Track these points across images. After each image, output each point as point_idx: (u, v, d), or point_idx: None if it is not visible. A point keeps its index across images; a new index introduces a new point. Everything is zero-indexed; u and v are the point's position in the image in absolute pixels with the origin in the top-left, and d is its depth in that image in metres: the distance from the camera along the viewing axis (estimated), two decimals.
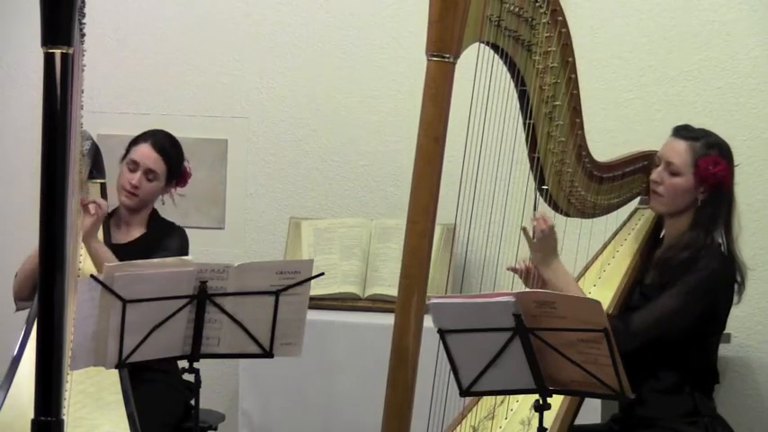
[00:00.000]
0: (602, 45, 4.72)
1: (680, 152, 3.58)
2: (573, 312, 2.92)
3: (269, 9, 5.07)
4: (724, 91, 4.63)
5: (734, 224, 3.62)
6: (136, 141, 4.10)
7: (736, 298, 3.64)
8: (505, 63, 3.40)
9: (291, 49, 5.06)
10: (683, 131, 3.63)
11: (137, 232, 4.11)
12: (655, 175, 3.62)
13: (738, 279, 3.61)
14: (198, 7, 5.14)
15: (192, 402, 3.45)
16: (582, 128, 3.59)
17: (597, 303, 2.95)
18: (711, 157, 3.56)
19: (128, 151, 4.09)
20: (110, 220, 4.08)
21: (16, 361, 3.53)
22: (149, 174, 4.05)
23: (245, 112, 5.11)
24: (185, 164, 4.18)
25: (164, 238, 4.09)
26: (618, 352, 2.96)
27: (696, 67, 4.66)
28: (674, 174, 3.58)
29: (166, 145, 4.11)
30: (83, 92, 3.71)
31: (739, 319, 4.49)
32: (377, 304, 4.60)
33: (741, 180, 4.55)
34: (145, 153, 4.05)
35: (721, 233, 3.59)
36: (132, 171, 4.04)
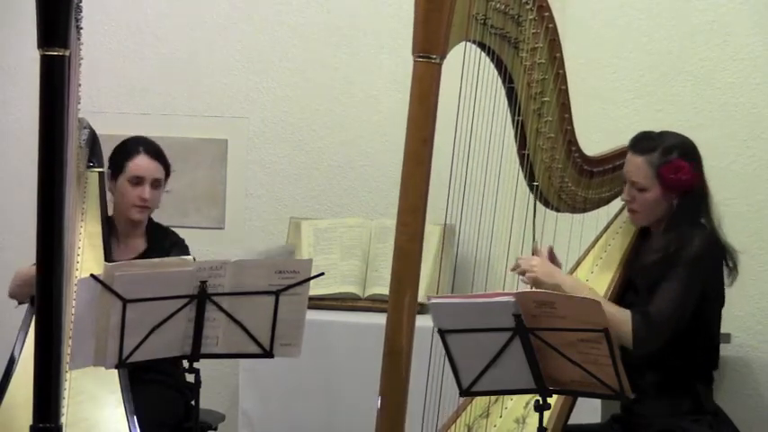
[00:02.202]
0: (602, 45, 4.72)
1: (639, 168, 3.56)
2: (573, 312, 2.93)
3: (269, 9, 5.07)
4: (724, 91, 4.62)
5: (713, 214, 3.60)
6: (127, 154, 4.03)
7: (728, 281, 3.62)
8: (492, 61, 3.40)
9: (291, 49, 5.06)
10: (637, 144, 3.60)
11: (138, 245, 4.07)
12: (625, 194, 3.63)
13: (728, 259, 3.59)
14: (198, 7, 5.14)
15: (193, 402, 3.45)
16: (571, 123, 3.59)
17: (597, 303, 2.96)
18: (672, 164, 3.53)
19: (121, 167, 4.02)
20: (109, 235, 3.99)
21: (13, 359, 3.53)
22: (155, 183, 4.04)
23: (245, 112, 5.10)
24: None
25: (168, 251, 4.04)
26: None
27: (696, 67, 4.65)
28: (641, 190, 3.57)
29: (156, 149, 4.08)
30: (80, 85, 3.71)
31: (739, 319, 4.49)
32: (377, 304, 4.59)
33: (741, 180, 4.58)
34: (146, 165, 4.02)
35: (694, 223, 3.56)
36: (138, 185, 4.00)
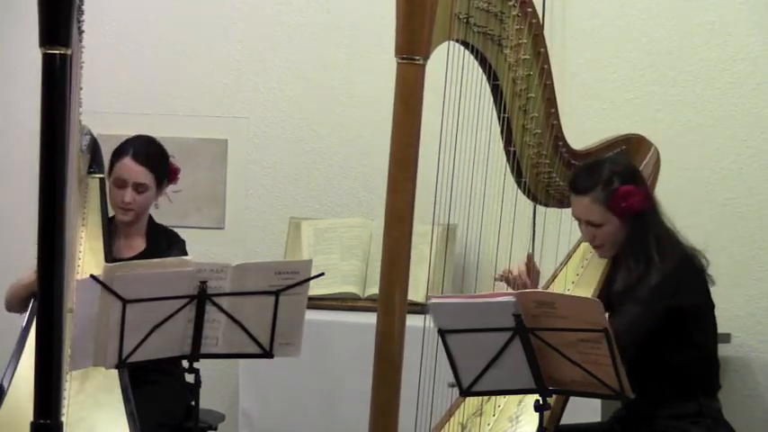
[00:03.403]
0: (602, 45, 4.72)
1: (589, 208, 3.53)
2: (573, 312, 2.92)
3: (269, 9, 5.07)
4: (724, 91, 4.62)
5: (666, 222, 3.58)
6: (117, 155, 3.99)
7: (709, 283, 3.60)
8: (477, 59, 3.39)
9: (291, 49, 5.06)
10: (578, 186, 3.55)
11: (138, 244, 4.05)
12: (585, 236, 3.60)
13: (698, 270, 3.57)
14: (198, 7, 5.14)
15: (193, 403, 3.45)
16: (557, 118, 3.58)
17: (597, 303, 2.96)
18: (619, 194, 3.49)
19: (111, 167, 3.99)
20: (110, 234, 3.97)
21: (16, 357, 3.53)
22: (139, 187, 3.97)
23: (245, 112, 5.11)
24: (171, 161, 4.09)
25: (166, 251, 4.03)
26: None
27: (696, 67, 4.65)
28: (599, 226, 3.54)
29: (148, 152, 4.01)
30: (81, 89, 3.71)
31: (739, 319, 4.49)
32: (377, 304, 4.58)
33: (741, 180, 4.58)
34: (129, 168, 3.96)
35: (655, 239, 3.53)
36: (121, 188, 3.96)
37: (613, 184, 3.51)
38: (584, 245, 3.78)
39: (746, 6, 4.61)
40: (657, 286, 3.46)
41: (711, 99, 4.64)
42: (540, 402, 3.05)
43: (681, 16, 4.66)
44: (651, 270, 3.48)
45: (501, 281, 3.70)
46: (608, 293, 3.60)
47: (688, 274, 3.54)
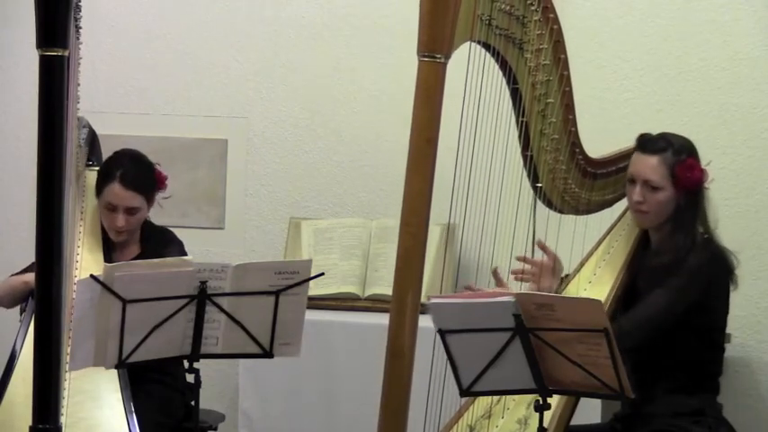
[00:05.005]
0: (602, 45, 4.72)
1: (654, 167, 3.56)
2: (572, 315, 2.92)
3: (269, 9, 5.07)
4: (724, 91, 4.62)
5: (709, 214, 3.62)
6: (105, 178, 3.92)
7: (732, 286, 3.63)
8: (497, 61, 3.39)
9: (292, 48, 5.06)
10: (648, 145, 3.60)
11: (134, 249, 4.02)
12: (636, 195, 3.59)
13: (730, 272, 3.60)
14: (198, 7, 5.14)
15: (193, 403, 3.45)
16: (575, 125, 3.59)
17: (597, 303, 2.95)
18: (686, 163, 3.56)
19: (100, 191, 3.92)
20: (107, 238, 3.96)
21: (12, 358, 3.53)
22: (131, 211, 3.92)
23: (245, 112, 5.11)
24: (157, 169, 4.02)
25: (160, 254, 3.99)
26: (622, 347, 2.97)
27: (696, 67, 4.65)
28: (654, 189, 3.57)
29: (135, 175, 3.93)
30: (79, 85, 3.70)
31: (739, 319, 4.49)
32: (377, 304, 4.59)
33: (741, 180, 4.58)
34: (118, 194, 3.88)
35: (698, 225, 3.59)
36: (112, 211, 3.90)
37: (682, 153, 3.58)
38: (603, 246, 3.78)
39: (746, 6, 4.61)
40: (691, 275, 3.50)
41: (711, 99, 4.64)
42: (540, 402, 3.05)
43: (681, 16, 4.66)
44: (696, 249, 3.53)
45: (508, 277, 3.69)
46: (637, 272, 3.62)
47: (720, 271, 3.58)
